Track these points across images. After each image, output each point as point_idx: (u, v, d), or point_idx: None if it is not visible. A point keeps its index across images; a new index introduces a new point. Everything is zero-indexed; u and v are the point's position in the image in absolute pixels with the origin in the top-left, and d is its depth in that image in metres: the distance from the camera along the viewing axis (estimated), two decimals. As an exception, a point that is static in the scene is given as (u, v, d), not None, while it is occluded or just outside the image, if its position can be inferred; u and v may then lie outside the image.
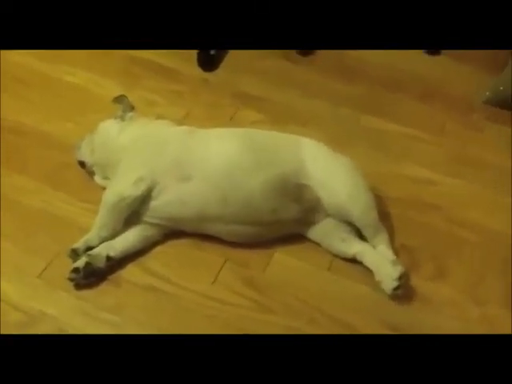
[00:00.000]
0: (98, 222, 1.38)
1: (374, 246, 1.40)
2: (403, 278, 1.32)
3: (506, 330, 1.31)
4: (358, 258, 1.40)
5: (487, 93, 1.90)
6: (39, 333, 1.26)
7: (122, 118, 1.53)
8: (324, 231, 1.44)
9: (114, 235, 1.39)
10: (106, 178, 1.51)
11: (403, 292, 1.34)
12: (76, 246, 1.35)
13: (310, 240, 1.46)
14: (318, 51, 2.06)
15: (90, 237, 1.37)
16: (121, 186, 1.38)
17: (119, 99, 1.57)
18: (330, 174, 1.42)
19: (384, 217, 1.48)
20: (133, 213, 1.39)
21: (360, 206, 1.41)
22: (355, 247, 1.41)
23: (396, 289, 1.32)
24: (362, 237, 1.43)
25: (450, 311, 1.36)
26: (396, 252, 1.42)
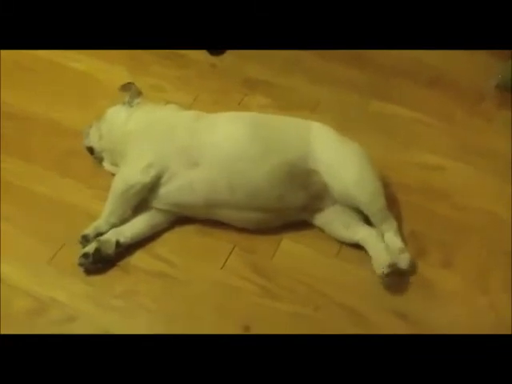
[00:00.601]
0: (107, 209, 1.39)
1: (381, 233, 1.40)
2: (393, 267, 1.32)
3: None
4: (361, 243, 1.40)
5: (500, 76, 1.87)
6: (49, 318, 1.28)
7: (130, 104, 1.53)
8: (329, 217, 1.43)
9: (123, 221, 1.39)
10: (114, 163, 1.51)
11: (392, 280, 1.33)
12: (86, 232, 1.36)
13: (317, 227, 1.46)
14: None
15: (100, 223, 1.38)
16: (130, 173, 1.39)
17: (126, 87, 1.56)
18: (338, 159, 1.42)
19: (393, 203, 1.48)
20: (142, 199, 1.39)
21: (367, 193, 1.40)
22: (359, 233, 1.41)
23: (386, 275, 1.32)
24: (370, 223, 1.42)
25: (457, 298, 1.36)
26: (405, 239, 1.42)
